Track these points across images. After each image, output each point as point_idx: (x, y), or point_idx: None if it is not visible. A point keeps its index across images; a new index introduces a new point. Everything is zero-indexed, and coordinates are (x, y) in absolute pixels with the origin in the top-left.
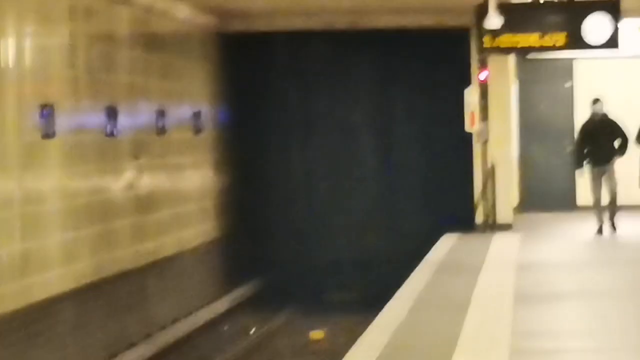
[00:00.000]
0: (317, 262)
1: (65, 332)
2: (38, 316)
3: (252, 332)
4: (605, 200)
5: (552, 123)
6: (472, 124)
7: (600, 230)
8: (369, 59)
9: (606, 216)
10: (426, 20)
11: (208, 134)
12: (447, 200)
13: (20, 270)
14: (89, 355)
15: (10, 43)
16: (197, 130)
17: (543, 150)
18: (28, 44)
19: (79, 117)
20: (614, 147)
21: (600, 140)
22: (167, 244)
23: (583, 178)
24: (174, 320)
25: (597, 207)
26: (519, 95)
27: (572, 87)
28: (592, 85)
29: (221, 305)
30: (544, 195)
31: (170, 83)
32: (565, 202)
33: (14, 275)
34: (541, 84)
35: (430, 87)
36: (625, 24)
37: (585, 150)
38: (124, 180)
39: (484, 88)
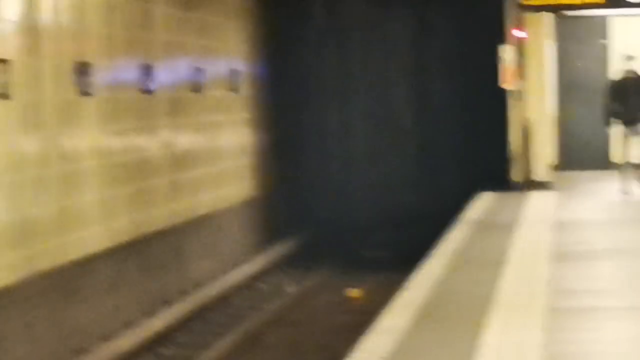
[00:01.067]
0: (354, 219)
1: (102, 290)
2: (75, 274)
3: (289, 290)
4: (635, 159)
5: (587, 80)
6: (508, 81)
7: (625, 190)
8: (405, 16)
9: (635, 175)
10: None
11: (245, 91)
12: (483, 158)
13: (57, 229)
14: (125, 312)
15: (48, 0)
16: (234, 88)
17: (579, 107)
18: (65, 1)
19: (115, 74)
20: None
21: (630, 99)
22: (204, 202)
23: (614, 135)
24: (211, 278)
25: (624, 166)
26: (555, 52)
27: (606, 45)
28: (626, 42)
29: (258, 263)
30: (580, 153)
31: (207, 40)
32: (601, 159)
33: (51, 233)
34: (577, 42)
35: (467, 44)
36: None
37: (614, 108)
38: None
39: (520, 45)
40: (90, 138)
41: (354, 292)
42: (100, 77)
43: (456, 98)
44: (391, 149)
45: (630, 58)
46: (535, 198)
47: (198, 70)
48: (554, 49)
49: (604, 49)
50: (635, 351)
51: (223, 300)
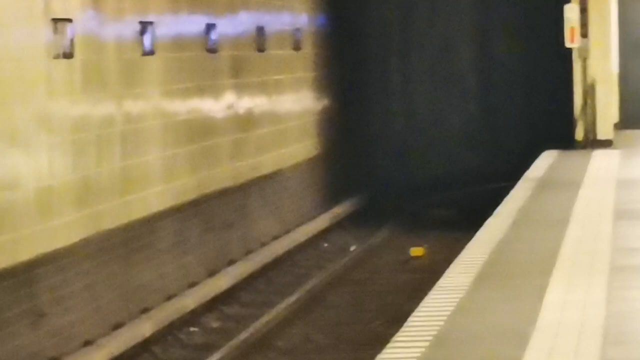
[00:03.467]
0: (418, 178)
1: (164, 250)
2: (139, 233)
3: (352, 249)
4: None
5: None
6: (572, 40)
7: None
8: None
9: None
10: None
11: (308, 50)
12: (547, 117)
13: (121, 188)
14: (188, 272)
15: None
16: (297, 46)
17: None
18: None
19: (177, 33)
20: None
21: None
22: (268, 162)
23: None
24: (274, 238)
25: None
26: (619, 11)
27: None
28: None
29: (321, 222)
30: None
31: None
32: None
33: (115, 192)
34: None
35: (530, 3)
36: None
37: None
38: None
39: (584, 4)
40: (153, 97)
41: (418, 251)
42: (163, 35)
43: (519, 57)
44: (454, 107)
45: None
46: (599, 156)
47: (261, 28)
48: (618, 8)
49: None
50: None
51: (287, 259)
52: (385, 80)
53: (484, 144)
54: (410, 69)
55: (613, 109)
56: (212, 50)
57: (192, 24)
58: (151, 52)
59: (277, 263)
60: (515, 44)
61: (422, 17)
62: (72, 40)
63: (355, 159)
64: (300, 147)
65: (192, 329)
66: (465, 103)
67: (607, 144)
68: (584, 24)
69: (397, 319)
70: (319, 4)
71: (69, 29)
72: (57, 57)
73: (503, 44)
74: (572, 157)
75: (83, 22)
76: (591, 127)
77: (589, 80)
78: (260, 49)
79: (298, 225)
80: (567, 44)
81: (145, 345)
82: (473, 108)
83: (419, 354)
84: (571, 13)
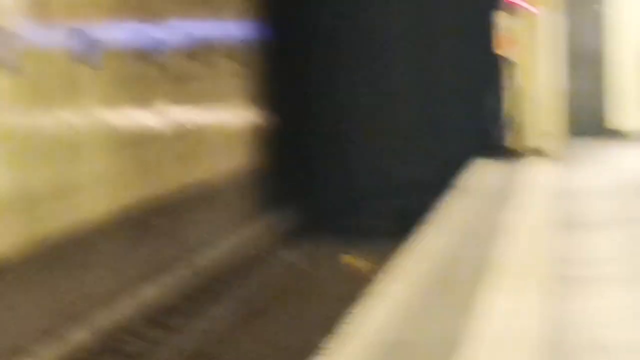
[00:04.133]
0: (354, 189)
1: (102, 260)
2: (74, 243)
3: (289, 260)
4: None
5: (584, 47)
6: (502, 47)
7: None
8: None
9: None
10: None
11: (251, 64)
12: (480, 126)
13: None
14: (123, 279)
15: None
16: (241, 60)
17: (576, 74)
18: None
19: (115, 40)
20: None
21: None
22: (205, 172)
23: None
24: (211, 248)
25: None
26: (553, 18)
27: (600, 11)
28: (624, 9)
29: (259, 232)
30: (579, 121)
31: (213, 13)
32: (598, 127)
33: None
34: (573, 7)
35: (461, 10)
36: None
37: None
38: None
39: (516, 11)
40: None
41: (351, 259)
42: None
43: (451, 65)
44: (390, 118)
45: None
46: (533, 165)
47: (197, 36)
48: (553, 15)
49: (598, 15)
50: (636, 320)
51: (225, 269)
52: (323, 91)
53: (419, 152)
54: (348, 80)
55: (547, 116)
56: (147, 60)
57: (127, 33)
58: (90, 63)
59: (215, 273)
60: (448, 52)
61: (361, 28)
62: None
63: (294, 171)
64: (240, 158)
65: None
66: (401, 114)
67: (539, 152)
68: (516, 32)
69: (333, 328)
70: (259, 13)
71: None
72: None
73: (437, 48)
74: (506, 166)
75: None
76: (525, 136)
77: (522, 89)
78: (195, 58)
79: (236, 236)
80: (499, 52)
81: None
82: (409, 119)
83: None
84: (503, 20)
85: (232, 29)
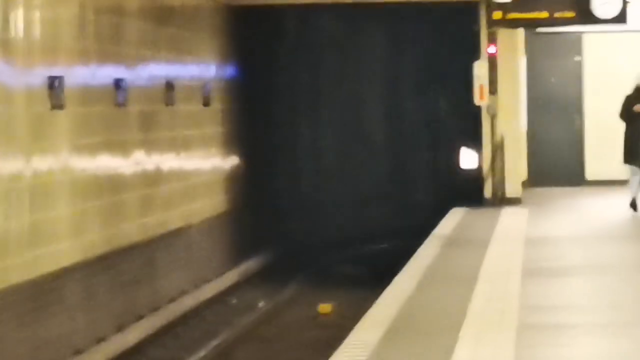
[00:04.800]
0: (326, 235)
1: (73, 304)
2: (47, 288)
3: (260, 305)
4: None
5: (561, 97)
6: (481, 97)
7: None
8: (378, 32)
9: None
10: None
11: (217, 105)
12: (456, 174)
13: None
14: (97, 326)
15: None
16: (206, 102)
17: (552, 124)
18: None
19: (87, 87)
20: None
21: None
22: (175, 217)
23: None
24: (182, 293)
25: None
26: (528, 69)
27: (581, 61)
28: (601, 59)
29: (229, 278)
30: (553, 170)
31: (179, 54)
32: (574, 176)
33: (22, 246)
34: (550, 58)
35: (440, 61)
36: None
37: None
38: None
39: (493, 61)
40: (62, 152)
41: (326, 308)
42: (72, 89)
43: (428, 114)
44: (364, 164)
45: None
46: (507, 214)
47: (170, 84)
48: (527, 66)
49: (578, 65)
50: None
51: (195, 314)
52: (295, 136)
53: (394, 201)
54: (319, 126)
55: (521, 166)
56: (121, 103)
57: (102, 77)
58: (60, 106)
59: (185, 318)
60: (424, 100)
61: (330, 76)
62: None
63: (264, 216)
64: (208, 203)
65: None
66: (375, 159)
67: (515, 201)
68: (493, 81)
69: None
70: (228, 63)
71: None
72: None
73: (412, 100)
74: (481, 214)
75: None
76: (500, 185)
77: (497, 138)
78: (170, 104)
79: (206, 281)
80: (476, 101)
81: None
82: (382, 164)
83: None
84: (480, 70)
85: (200, 70)
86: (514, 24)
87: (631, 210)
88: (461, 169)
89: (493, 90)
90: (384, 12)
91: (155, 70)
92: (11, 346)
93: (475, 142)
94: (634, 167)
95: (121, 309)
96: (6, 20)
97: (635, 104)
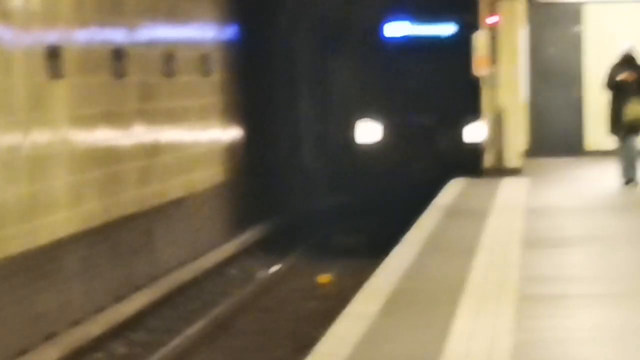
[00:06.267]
0: (325, 205)
1: (71, 275)
2: (44, 259)
3: (259, 275)
4: None
5: (561, 67)
6: (481, 68)
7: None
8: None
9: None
10: None
11: (218, 75)
12: (456, 145)
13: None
14: (95, 298)
15: None
16: (207, 72)
17: (552, 94)
18: None
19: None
20: None
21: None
22: (176, 187)
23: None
24: (181, 264)
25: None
26: (529, 39)
27: (581, 32)
28: (601, 29)
29: (229, 248)
30: (553, 140)
31: (179, 23)
32: (574, 147)
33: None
34: (550, 29)
35: (439, 31)
36: None
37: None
38: None
39: (493, 32)
40: (60, 122)
41: (325, 278)
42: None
43: (429, 84)
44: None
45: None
46: (507, 184)
47: (170, 54)
48: (528, 36)
49: (578, 36)
50: (605, 337)
51: (194, 285)
52: (296, 106)
53: (394, 171)
54: (319, 93)
55: (521, 136)
56: (119, 74)
57: (93, 41)
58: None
59: (183, 289)
60: (427, 70)
61: (331, 42)
62: None
63: (265, 185)
64: (209, 173)
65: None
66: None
67: (515, 172)
68: (493, 52)
69: (305, 346)
70: (229, 31)
71: None
72: None
73: (416, 70)
74: (481, 185)
75: None
76: (500, 155)
77: (497, 108)
78: (169, 75)
79: (206, 251)
80: (476, 72)
81: None
82: (383, 133)
83: None
84: (480, 41)
85: (201, 34)
86: None
87: (629, 186)
88: (463, 141)
89: (493, 61)
90: None
91: (158, 35)
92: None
93: (474, 112)
94: (620, 137)
95: (119, 280)
96: None
97: (618, 73)
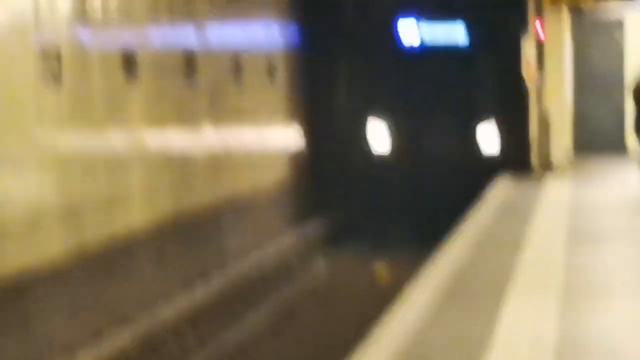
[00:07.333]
0: (380, 201)
1: (145, 266)
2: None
3: (321, 267)
4: None
5: (603, 74)
6: (529, 73)
7: None
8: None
9: None
10: None
11: (283, 78)
12: (506, 144)
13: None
14: (167, 286)
15: None
16: (272, 74)
17: (595, 99)
18: None
19: (159, 60)
20: None
21: None
22: (246, 184)
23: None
24: (247, 255)
25: None
26: (573, 47)
27: (623, 41)
28: None
29: (294, 240)
30: (595, 142)
31: (244, 26)
32: (616, 148)
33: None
34: (594, 38)
35: (493, 37)
36: None
37: None
38: None
39: (540, 39)
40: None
41: (382, 269)
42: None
43: (483, 87)
44: (420, 133)
45: None
46: (553, 182)
47: (239, 58)
48: (572, 44)
49: (620, 45)
50: None
51: (260, 276)
52: (353, 103)
53: (448, 168)
54: (372, 91)
55: (566, 137)
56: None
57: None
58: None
59: (250, 278)
60: (480, 73)
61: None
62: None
63: (326, 182)
64: (277, 172)
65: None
66: (431, 130)
67: (560, 170)
68: (540, 58)
69: (366, 331)
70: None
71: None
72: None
73: (470, 73)
74: (528, 182)
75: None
76: (546, 155)
77: (544, 111)
78: (237, 77)
79: (273, 243)
80: (525, 77)
81: None
82: (436, 133)
83: None
84: (528, 47)
85: (268, 36)
86: (561, 5)
87: None
88: (510, 139)
89: (540, 66)
90: None
91: (227, 37)
92: None
93: (524, 114)
94: None
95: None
96: None
97: None
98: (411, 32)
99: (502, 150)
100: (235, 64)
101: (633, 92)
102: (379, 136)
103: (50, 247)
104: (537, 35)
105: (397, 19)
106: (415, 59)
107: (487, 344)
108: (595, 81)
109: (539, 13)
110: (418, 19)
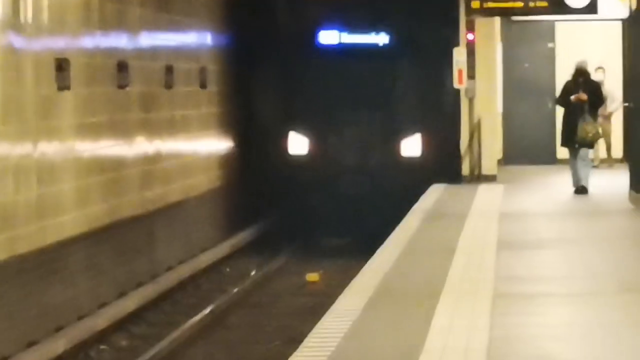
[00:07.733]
0: (314, 209)
1: (77, 273)
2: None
3: (252, 274)
4: None
5: (534, 81)
6: (460, 81)
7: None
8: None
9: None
10: None
11: (213, 87)
12: (436, 153)
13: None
14: (100, 293)
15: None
16: (203, 84)
17: (526, 106)
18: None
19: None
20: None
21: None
22: (174, 191)
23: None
24: (179, 262)
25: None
26: (504, 55)
27: (554, 48)
28: (572, 46)
29: (223, 248)
30: (526, 149)
31: (179, 39)
32: (546, 156)
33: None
34: (525, 45)
35: (423, 47)
36: None
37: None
38: None
39: (471, 48)
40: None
41: (313, 277)
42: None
43: (413, 96)
44: (350, 140)
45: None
46: (484, 190)
47: (169, 67)
48: (503, 52)
49: (551, 51)
50: (574, 334)
51: (191, 282)
52: (286, 112)
53: (378, 177)
54: (312, 102)
55: (497, 145)
56: (122, 86)
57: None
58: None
59: (182, 286)
60: (411, 83)
61: (324, 52)
62: None
63: (255, 190)
64: (205, 178)
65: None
66: (361, 136)
67: (491, 178)
68: (471, 66)
69: (295, 340)
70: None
71: None
72: None
73: (401, 83)
74: (459, 190)
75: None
76: (477, 163)
77: (475, 119)
78: (169, 86)
79: (202, 251)
80: (456, 85)
81: None
82: (368, 141)
83: None
84: (460, 56)
85: (199, 41)
86: (491, 12)
87: (579, 194)
88: (440, 148)
89: (471, 74)
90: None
91: (158, 41)
92: None
93: (454, 123)
94: (572, 150)
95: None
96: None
97: (573, 89)
98: (333, 40)
99: (432, 158)
100: (168, 70)
101: (561, 103)
102: (298, 140)
103: None
104: (468, 43)
105: (319, 30)
106: (337, 66)
107: (419, 352)
108: (527, 89)
109: (471, 22)
110: (341, 30)
